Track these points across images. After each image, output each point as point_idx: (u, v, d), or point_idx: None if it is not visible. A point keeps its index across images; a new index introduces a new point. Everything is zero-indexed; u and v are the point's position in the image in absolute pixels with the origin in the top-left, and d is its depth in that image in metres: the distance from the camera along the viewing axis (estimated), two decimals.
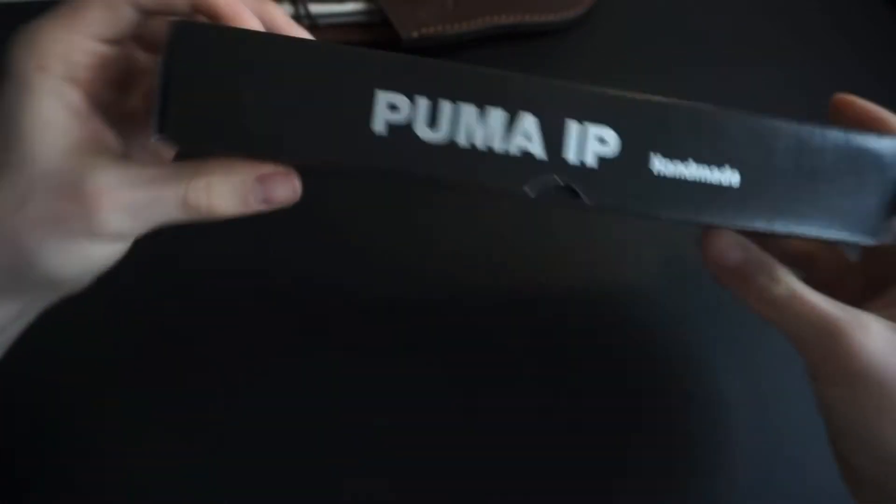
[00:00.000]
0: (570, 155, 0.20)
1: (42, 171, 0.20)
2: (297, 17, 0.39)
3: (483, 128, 0.20)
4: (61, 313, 0.25)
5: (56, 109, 0.20)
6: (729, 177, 0.21)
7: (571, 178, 0.20)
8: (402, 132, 0.20)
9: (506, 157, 0.20)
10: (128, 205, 0.20)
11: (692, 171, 0.21)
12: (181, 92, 0.20)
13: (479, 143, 0.20)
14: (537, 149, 0.20)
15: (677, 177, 0.21)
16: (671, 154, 0.21)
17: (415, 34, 0.39)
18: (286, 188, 0.22)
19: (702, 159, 0.21)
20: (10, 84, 0.20)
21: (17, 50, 0.20)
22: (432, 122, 0.20)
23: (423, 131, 0.20)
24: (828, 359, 0.22)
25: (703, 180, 0.21)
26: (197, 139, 0.20)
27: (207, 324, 0.33)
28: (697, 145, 0.21)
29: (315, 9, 0.39)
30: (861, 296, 0.25)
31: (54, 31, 0.21)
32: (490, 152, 0.20)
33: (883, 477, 0.22)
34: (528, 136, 0.20)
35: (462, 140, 0.20)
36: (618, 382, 0.33)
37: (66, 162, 0.20)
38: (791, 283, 0.23)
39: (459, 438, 0.32)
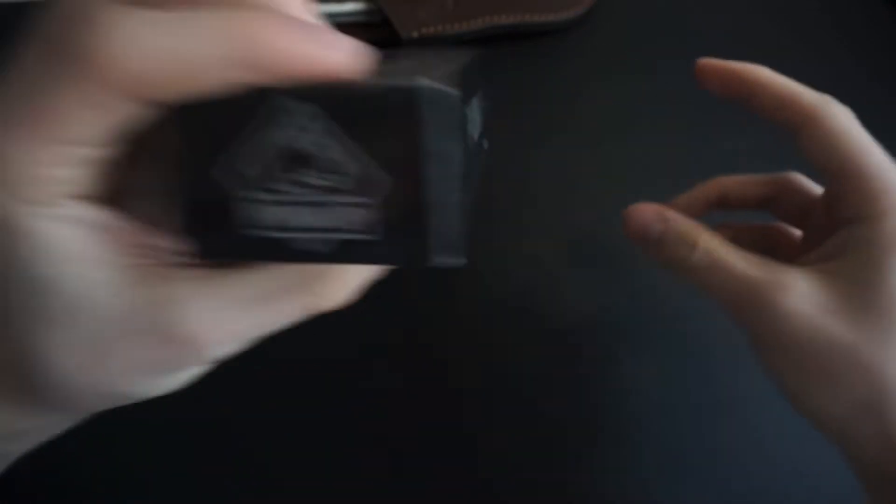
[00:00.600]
0: None
1: (106, 316, 0.15)
2: None
3: None
4: None
5: (80, 242, 0.15)
6: None
7: None
8: None
9: None
10: (240, 332, 0.16)
11: None
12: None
13: None
14: None
15: None
16: None
17: (415, 34, 0.39)
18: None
19: None
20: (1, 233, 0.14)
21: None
22: None
23: None
24: (756, 324, 0.22)
25: None
26: None
27: None
28: None
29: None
30: (826, 230, 0.23)
31: (22, 147, 0.13)
32: None
33: (846, 438, 0.22)
34: None
35: None
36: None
37: (128, 300, 0.15)
38: (711, 250, 0.22)
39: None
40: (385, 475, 0.31)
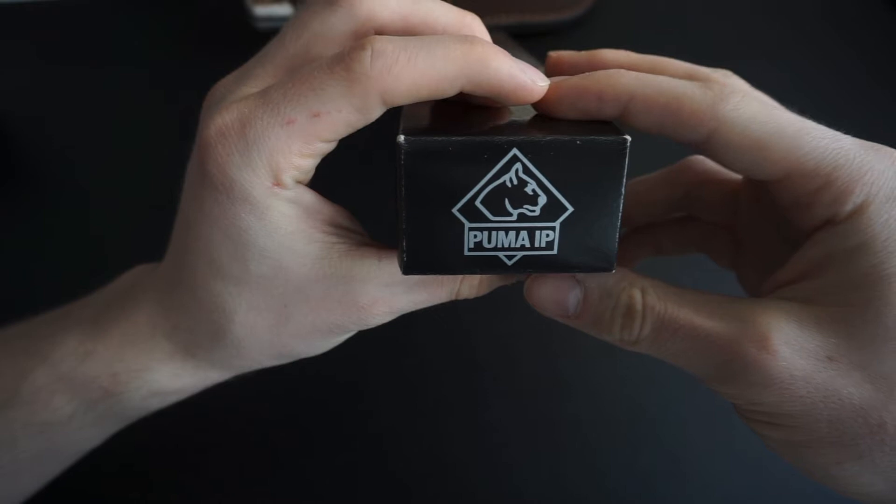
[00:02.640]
0: None
1: (298, 284, 0.18)
2: None
3: None
4: None
5: (295, 220, 0.18)
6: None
7: None
8: None
9: None
10: (403, 307, 0.19)
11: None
12: None
13: None
14: None
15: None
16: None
17: None
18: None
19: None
20: (237, 205, 0.17)
21: (232, 157, 0.17)
22: None
23: None
24: (739, 397, 0.17)
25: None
26: None
27: None
28: None
29: None
30: (782, 243, 0.20)
31: (290, 145, 0.16)
32: None
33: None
34: None
35: None
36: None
37: (322, 271, 0.18)
38: (657, 312, 0.17)
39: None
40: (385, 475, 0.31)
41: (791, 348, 0.15)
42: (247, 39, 0.42)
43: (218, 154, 0.17)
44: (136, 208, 0.37)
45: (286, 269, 0.18)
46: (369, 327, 0.20)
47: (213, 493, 0.30)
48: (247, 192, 0.17)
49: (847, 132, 0.18)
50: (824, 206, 0.16)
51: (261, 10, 0.39)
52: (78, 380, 0.21)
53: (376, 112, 0.16)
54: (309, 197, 0.18)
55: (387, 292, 0.19)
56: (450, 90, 0.16)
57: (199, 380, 0.21)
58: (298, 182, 0.18)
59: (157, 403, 0.22)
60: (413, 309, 0.20)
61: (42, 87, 0.41)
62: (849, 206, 0.16)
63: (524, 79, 0.16)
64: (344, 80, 0.16)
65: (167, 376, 0.21)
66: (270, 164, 0.17)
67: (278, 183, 0.17)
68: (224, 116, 0.17)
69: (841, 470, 0.16)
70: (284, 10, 0.39)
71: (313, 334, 0.19)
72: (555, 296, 0.19)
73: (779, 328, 0.16)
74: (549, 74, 0.19)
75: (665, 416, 0.33)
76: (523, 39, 0.42)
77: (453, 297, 0.20)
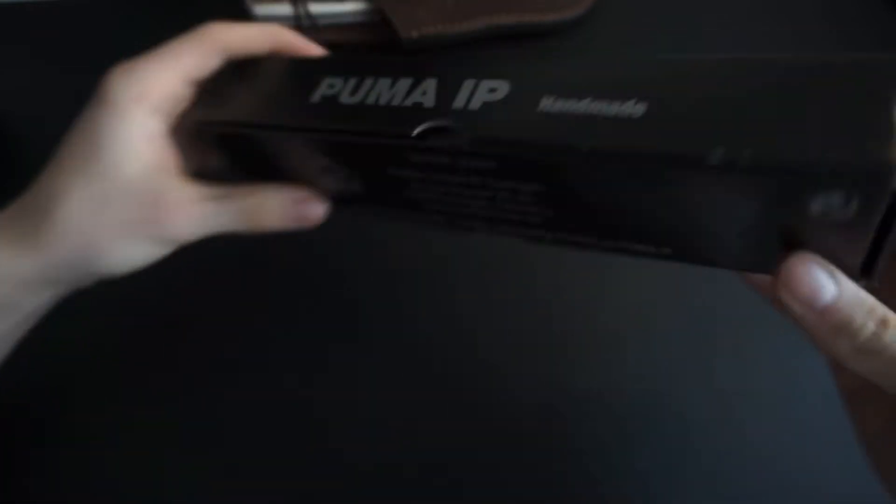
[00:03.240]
0: (457, 103, 0.22)
1: (125, 182, 0.24)
2: (297, 18, 0.39)
3: (389, 92, 0.23)
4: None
5: (143, 135, 0.24)
6: (631, 109, 0.19)
7: (451, 119, 0.22)
8: (329, 101, 0.24)
9: (400, 109, 0.23)
10: (198, 215, 0.25)
11: (585, 105, 0.20)
12: None
13: (382, 101, 0.23)
14: (429, 101, 0.23)
15: (567, 112, 0.20)
16: (564, 94, 0.20)
17: (414, 34, 0.39)
18: (316, 210, 0.26)
19: (600, 96, 0.19)
20: (103, 108, 0.24)
21: (117, 80, 0.24)
22: (353, 92, 0.24)
23: (345, 98, 0.24)
24: None
25: (598, 113, 0.19)
26: None
27: (204, 308, 0.33)
28: (595, 83, 0.20)
29: (315, 9, 0.39)
30: None
31: (155, 70, 0.24)
32: (388, 107, 0.23)
33: None
34: (424, 93, 0.23)
35: (370, 101, 0.24)
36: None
37: (147, 178, 0.24)
38: None
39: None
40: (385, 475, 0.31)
41: None
42: None
43: (113, 76, 0.25)
44: None
45: (122, 168, 0.24)
46: (172, 237, 0.25)
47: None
48: (114, 97, 0.24)
49: None
50: None
51: (261, 10, 0.39)
52: None
53: (215, 59, 0.27)
54: (159, 129, 0.25)
55: (188, 197, 0.24)
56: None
57: (14, 269, 0.24)
58: (157, 111, 0.25)
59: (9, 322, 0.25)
60: (216, 229, 0.25)
61: (42, 87, 0.41)
62: None
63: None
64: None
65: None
66: (139, 81, 0.24)
67: (139, 98, 0.24)
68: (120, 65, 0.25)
69: None
70: (285, 9, 0.39)
71: (123, 233, 0.24)
72: (815, 282, 0.17)
73: None
74: None
75: (665, 416, 0.33)
76: (523, 39, 0.42)
77: (240, 219, 0.25)
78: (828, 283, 0.17)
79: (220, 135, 0.27)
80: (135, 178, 0.24)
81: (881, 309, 0.17)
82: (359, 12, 0.40)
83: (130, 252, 0.25)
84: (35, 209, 0.24)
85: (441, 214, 0.25)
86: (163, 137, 0.25)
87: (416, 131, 0.22)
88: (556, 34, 0.43)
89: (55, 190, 0.24)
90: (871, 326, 0.17)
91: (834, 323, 0.18)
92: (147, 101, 0.24)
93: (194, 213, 0.25)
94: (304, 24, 0.39)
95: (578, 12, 0.42)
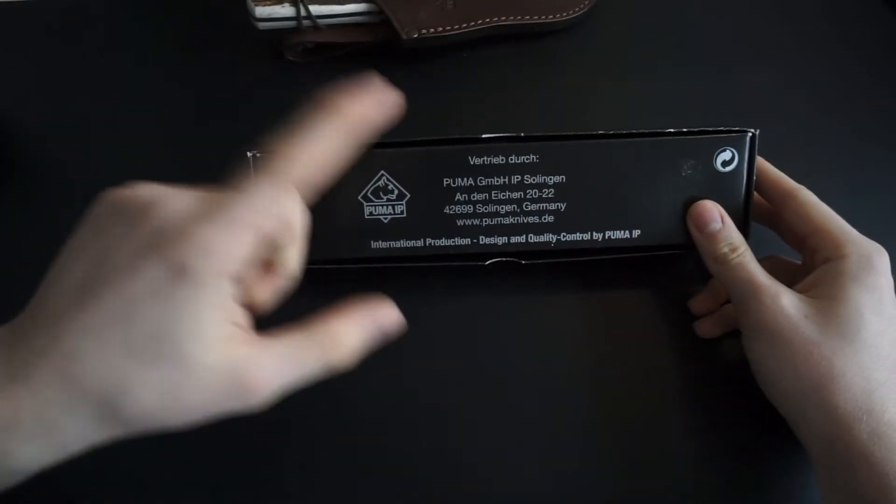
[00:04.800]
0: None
1: (207, 371, 0.22)
2: (297, 18, 0.39)
3: None
4: None
5: (222, 308, 0.22)
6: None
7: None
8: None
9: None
10: (282, 385, 0.23)
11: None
12: None
13: None
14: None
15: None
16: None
17: (415, 34, 0.39)
18: (393, 316, 0.26)
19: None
20: (181, 284, 0.21)
21: (197, 251, 0.21)
22: None
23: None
24: (753, 314, 0.29)
25: None
26: None
27: None
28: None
29: (315, 9, 0.39)
30: (809, 268, 0.31)
31: (245, 244, 0.22)
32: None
33: (800, 417, 0.28)
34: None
35: None
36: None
37: (231, 358, 0.22)
38: (743, 255, 0.30)
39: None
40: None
41: (791, 304, 0.29)
42: (247, 39, 0.42)
43: (192, 245, 0.22)
44: None
45: (201, 350, 0.22)
46: (251, 408, 0.23)
47: None
48: (196, 270, 0.21)
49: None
50: (827, 251, 0.30)
51: (261, 11, 0.39)
52: None
53: (301, 216, 0.24)
54: (236, 296, 0.23)
55: (271, 372, 0.23)
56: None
57: (62, 449, 0.22)
58: (235, 279, 0.22)
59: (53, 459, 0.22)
60: (299, 382, 0.23)
61: (42, 87, 0.41)
62: (839, 253, 0.29)
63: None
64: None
65: (34, 457, 0.22)
66: (219, 253, 0.22)
67: (221, 271, 0.22)
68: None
69: (783, 370, 0.28)
70: (285, 10, 0.39)
71: (200, 415, 0.22)
72: (711, 214, 0.31)
73: (790, 295, 0.29)
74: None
75: (663, 419, 0.33)
76: (523, 39, 0.42)
77: (326, 371, 0.24)
78: (717, 220, 0.31)
79: None
80: (218, 364, 0.22)
81: (736, 242, 0.31)
82: (359, 13, 0.40)
83: (197, 422, 0.23)
84: (94, 402, 0.21)
85: (467, 235, 0.32)
86: (239, 303, 0.23)
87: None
88: (556, 34, 0.43)
89: (118, 379, 0.21)
90: (725, 249, 0.31)
91: (712, 244, 0.31)
92: (228, 274, 0.22)
93: (278, 384, 0.23)
94: (304, 25, 0.39)
95: (578, 12, 0.42)
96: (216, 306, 0.22)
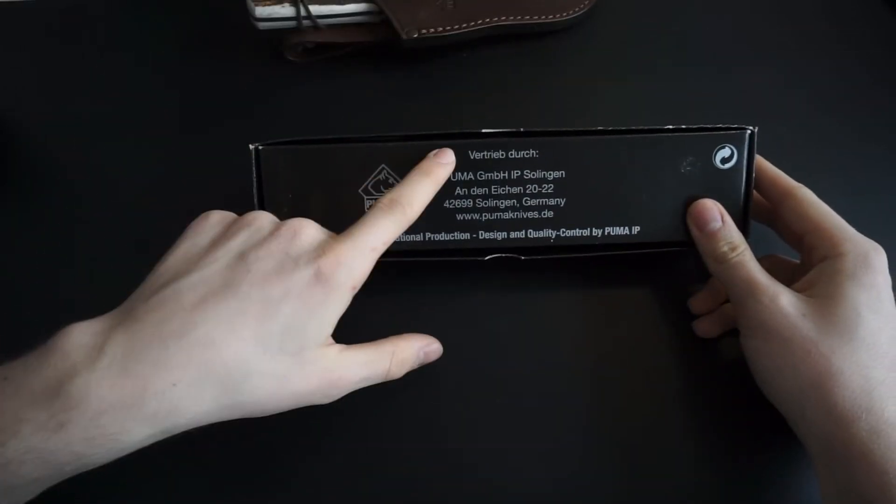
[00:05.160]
0: None
1: (312, 361, 0.26)
2: (297, 18, 0.39)
3: None
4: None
5: (339, 315, 0.27)
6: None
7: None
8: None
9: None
10: (356, 383, 0.28)
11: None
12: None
13: None
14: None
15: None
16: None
17: (415, 34, 0.39)
18: (437, 349, 0.32)
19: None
20: (322, 287, 0.26)
21: (336, 264, 0.26)
22: None
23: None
24: (752, 313, 0.29)
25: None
26: None
27: None
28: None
29: (315, 9, 0.39)
30: (807, 266, 0.31)
31: (367, 263, 0.28)
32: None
33: (799, 415, 0.28)
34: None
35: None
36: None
37: (327, 355, 0.27)
38: (742, 254, 0.31)
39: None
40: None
41: (790, 303, 0.29)
42: (247, 39, 0.42)
43: (341, 262, 0.27)
44: (137, 208, 0.37)
45: (316, 346, 0.26)
46: (328, 401, 0.27)
47: None
48: (339, 282, 0.26)
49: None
50: (825, 250, 0.30)
51: (261, 11, 0.39)
52: (49, 450, 0.22)
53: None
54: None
55: (353, 370, 0.28)
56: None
57: (175, 428, 0.25)
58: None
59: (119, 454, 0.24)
60: (364, 385, 0.28)
61: (42, 87, 0.41)
62: (836, 252, 0.29)
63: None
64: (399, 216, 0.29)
65: (145, 436, 0.24)
66: (357, 273, 0.27)
67: (354, 286, 0.27)
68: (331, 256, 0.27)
69: (781, 369, 0.28)
70: (286, 10, 0.39)
71: (289, 402, 0.26)
72: (711, 213, 0.32)
73: (788, 293, 0.29)
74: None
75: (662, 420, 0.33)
76: (523, 39, 0.42)
77: (387, 377, 0.29)
78: (717, 219, 0.32)
79: None
80: (321, 362, 0.26)
81: (736, 241, 0.31)
82: (359, 13, 0.40)
83: (284, 409, 0.27)
84: (217, 382, 0.24)
85: (467, 230, 0.32)
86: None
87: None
88: (556, 34, 0.43)
89: (242, 363, 0.25)
90: (724, 248, 0.31)
91: (712, 242, 0.31)
92: (357, 288, 0.27)
93: (354, 381, 0.28)
94: (304, 25, 0.39)
95: (578, 12, 0.42)
96: (338, 313, 0.27)
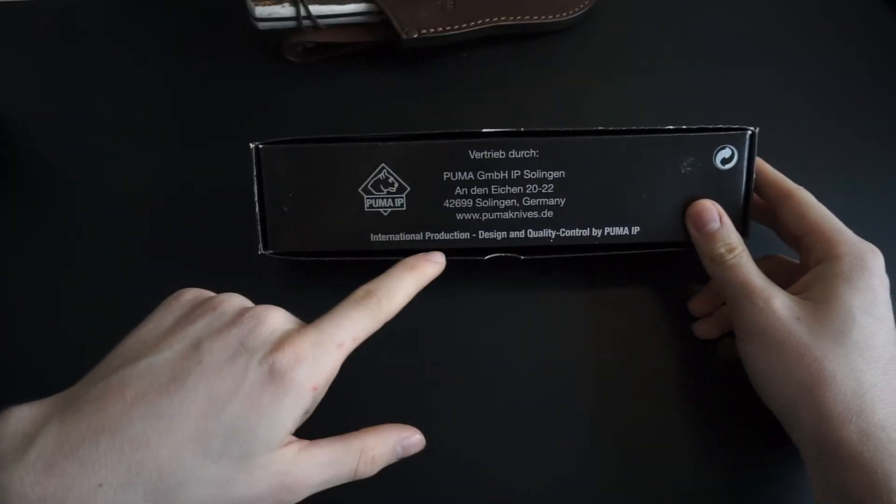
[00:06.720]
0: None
1: (260, 466, 0.23)
2: (297, 18, 0.39)
3: None
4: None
5: (295, 417, 0.24)
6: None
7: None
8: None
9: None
10: (315, 486, 0.25)
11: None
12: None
13: None
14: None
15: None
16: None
17: (415, 34, 0.39)
18: (418, 441, 0.28)
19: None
20: (276, 387, 0.23)
21: (294, 361, 0.23)
22: None
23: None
24: (747, 314, 0.29)
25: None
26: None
27: None
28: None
29: (315, 9, 0.39)
30: (804, 268, 0.31)
31: (333, 361, 0.25)
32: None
33: (792, 418, 0.29)
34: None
35: None
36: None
37: (280, 458, 0.24)
38: (739, 256, 0.31)
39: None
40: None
41: (784, 305, 0.29)
42: (247, 39, 0.42)
43: (297, 360, 0.24)
44: (137, 208, 0.37)
45: (272, 450, 0.23)
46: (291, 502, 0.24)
47: None
48: (296, 381, 0.23)
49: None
50: (822, 252, 0.30)
51: (261, 11, 0.39)
52: None
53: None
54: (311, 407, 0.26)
55: (311, 472, 0.24)
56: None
57: None
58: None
59: None
60: (329, 486, 0.25)
61: (42, 87, 0.41)
62: (833, 254, 0.29)
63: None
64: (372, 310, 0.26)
65: None
66: (319, 373, 0.24)
67: (315, 387, 0.24)
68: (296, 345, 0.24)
69: (775, 372, 0.29)
70: (285, 10, 0.39)
71: (250, 501, 0.23)
72: (710, 214, 0.32)
73: (783, 296, 0.29)
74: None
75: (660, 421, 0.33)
76: (523, 39, 0.42)
77: (356, 477, 0.26)
78: (716, 220, 0.32)
79: None
80: (272, 466, 0.23)
81: (734, 242, 0.31)
82: (359, 13, 0.40)
83: None
84: (149, 486, 0.22)
85: (467, 230, 0.32)
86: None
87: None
88: (556, 34, 0.43)
89: (177, 469, 0.22)
90: (722, 249, 0.31)
91: (710, 243, 0.31)
92: (320, 388, 0.25)
93: (314, 484, 0.25)
94: (304, 25, 0.39)
95: (578, 12, 0.42)
96: (294, 416, 0.24)
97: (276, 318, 0.25)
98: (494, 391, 0.33)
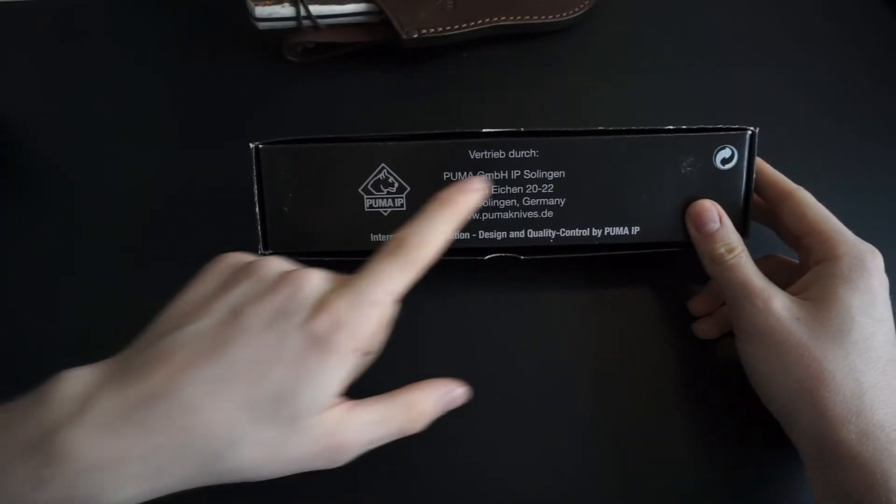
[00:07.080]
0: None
1: (310, 427, 0.23)
2: (297, 18, 0.39)
3: None
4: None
5: (342, 380, 0.24)
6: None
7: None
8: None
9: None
10: (365, 445, 0.25)
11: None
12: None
13: None
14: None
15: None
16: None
17: (415, 34, 0.39)
18: (462, 396, 0.28)
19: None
20: (319, 352, 0.23)
21: (335, 326, 0.23)
22: None
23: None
24: (747, 315, 0.29)
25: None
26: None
27: None
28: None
29: (315, 9, 0.39)
30: (804, 268, 0.31)
31: (373, 320, 0.24)
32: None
33: (791, 418, 0.29)
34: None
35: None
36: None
37: (329, 419, 0.24)
38: (739, 256, 0.30)
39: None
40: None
41: (784, 306, 0.29)
42: (247, 39, 0.42)
43: (339, 324, 0.24)
44: (137, 208, 0.37)
45: (317, 412, 0.24)
46: (334, 465, 0.25)
47: None
48: (338, 345, 0.23)
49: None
50: (821, 252, 0.30)
51: (261, 11, 0.39)
52: (31, 500, 0.21)
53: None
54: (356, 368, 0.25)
55: (360, 434, 0.25)
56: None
57: (156, 492, 0.23)
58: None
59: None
60: (377, 444, 0.26)
61: (42, 87, 0.41)
62: (832, 255, 0.29)
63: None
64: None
65: (126, 497, 0.22)
66: (360, 333, 0.24)
67: (357, 349, 0.24)
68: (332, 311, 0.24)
69: (774, 373, 0.29)
70: (286, 10, 0.39)
71: (285, 468, 0.24)
72: (710, 214, 0.32)
73: (782, 297, 0.29)
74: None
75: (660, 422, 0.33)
76: (523, 39, 0.42)
77: (402, 435, 0.26)
78: (715, 220, 0.32)
79: None
80: (321, 427, 0.24)
81: (733, 242, 0.31)
82: (359, 13, 0.40)
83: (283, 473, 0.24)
84: (200, 449, 0.22)
85: (466, 230, 0.32)
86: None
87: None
88: (556, 34, 0.43)
89: (228, 431, 0.23)
90: (721, 249, 0.31)
91: (709, 244, 0.31)
92: (363, 347, 0.24)
93: (362, 445, 0.25)
94: (304, 25, 0.39)
95: (578, 12, 0.42)
96: (339, 378, 0.24)
97: (314, 281, 0.25)
98: (494, 391, 0.33)
